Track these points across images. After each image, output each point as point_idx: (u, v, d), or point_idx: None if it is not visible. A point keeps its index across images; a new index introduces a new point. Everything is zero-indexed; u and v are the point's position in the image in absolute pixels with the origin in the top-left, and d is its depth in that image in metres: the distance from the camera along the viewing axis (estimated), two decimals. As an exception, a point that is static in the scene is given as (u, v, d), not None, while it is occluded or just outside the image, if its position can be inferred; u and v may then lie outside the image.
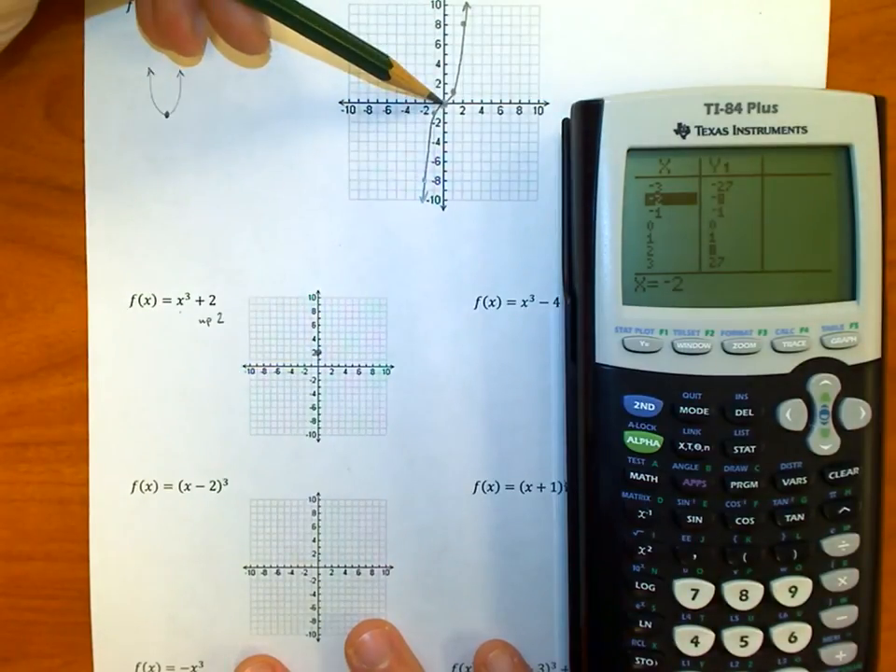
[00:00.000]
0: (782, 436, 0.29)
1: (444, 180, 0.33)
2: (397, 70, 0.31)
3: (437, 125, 0.33)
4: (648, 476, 0.29)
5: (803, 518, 0.29)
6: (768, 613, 0.29)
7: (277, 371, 0.34)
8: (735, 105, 0.29)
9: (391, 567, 0.34)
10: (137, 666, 0.34)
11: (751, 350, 0.29)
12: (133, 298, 0.33)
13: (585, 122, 0.29)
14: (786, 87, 0.32)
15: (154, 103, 0.33)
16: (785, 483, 0.29)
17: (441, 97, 0.33)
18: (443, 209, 0.33)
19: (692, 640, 0.29)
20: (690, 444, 0.29)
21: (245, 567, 0.34)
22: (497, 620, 0.34)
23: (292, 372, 0.34)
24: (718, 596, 0.29)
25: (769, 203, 0.30)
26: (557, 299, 0.33)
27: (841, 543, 0.29)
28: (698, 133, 0.29)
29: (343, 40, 0.30)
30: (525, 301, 0.33)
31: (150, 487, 0.34)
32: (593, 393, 0.30)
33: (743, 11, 0.33)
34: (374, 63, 0.31)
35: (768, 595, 0.29)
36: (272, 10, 0.29)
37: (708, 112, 0.29)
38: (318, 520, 0.34)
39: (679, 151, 0.29)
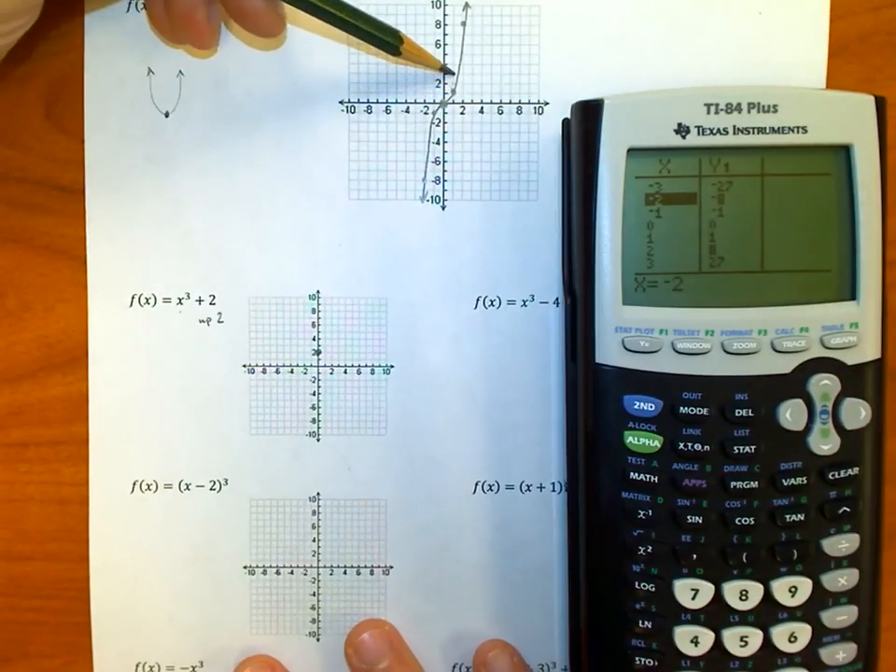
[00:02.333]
0: (782, 436, 0.29)
1: (444, 180, 0.33)
2: (408, 45, 0.31)
3: (437, 125, 0.33)
4: (648, 476, 0.29)
5: (803, 518, 0.29)
6: (768, 613, 0.29)
7: (277, 371, 0.34)
8: (735, 104, 0.29)
9: (391, 567, 0.34)
10: (137, 666, 0.34)
11: (751, 350, 0.29)
12: (133, 298, 0.33)
13: (585, 122, 0.29)
14: (786, 87, 0.32)
15: (154, 103, 0.33)
16: (785, 483, 0.29)
17: (443, 97, 0.33)
18: (443, 209, 0.33)
19: (692, 640, 0.29)
20: (690, 444, 0.29)
21: (244, 567, 0.34)
22: (497, 620, 0.34)
23: (292, 372, 0.34)
24: (718, 596, 0.29)
25: (769, 203, 0.30)
26: (557, 299, 0.33)
27: (841, 543, 0.29)
28: (698, 133, 0.29)
29: (353, 17, 0.30)
30: (525, 301, 0.33)
31: (150, 487, 0.34)
32: (593, 393, 0.30)
33: (743, 11, 0.33)
34: (385, 39, 0.31)
35: (768, 595, 0.29)
36: None
37: (708, 112, 0.29)
38: (318, 520, 0.34)
39: (679, 151, 0.29)
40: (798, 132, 0.29)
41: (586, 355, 0.30)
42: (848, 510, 0.29)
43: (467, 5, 0.33)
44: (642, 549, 0.29)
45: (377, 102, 0.33)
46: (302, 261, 0.33)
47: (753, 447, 0.29)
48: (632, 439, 0.29)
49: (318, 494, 0.34)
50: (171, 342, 0.33)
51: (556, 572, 0.34)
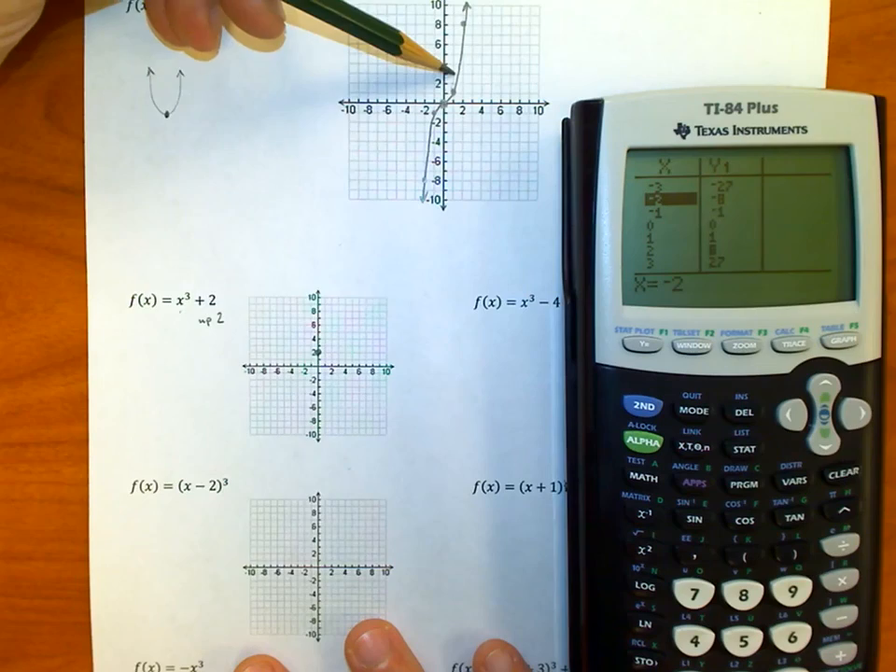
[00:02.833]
0: (782, 436, 0.29)
1: (444, 180, 0.33)
2: (408, 44, 0.31)
3: (437, 125, 0.33)
4: (648, 476, 0.29)
5: (803, 518, 0.29)
6: (768, 613, 0.29)
7: (277, 371, 0.34)
8: (735, 104, 0.29)
9: (391, 567, 0.34)
10: (137, 666, 0.34)
11: (751, 350, 0.29)
12: (133, 298, 0.33)
13: (585, 122, 0.29)
14: (786, 87, 0.32)
15: (154, 103, 0.33)
16: (785, 483, 0.29)
17: (443, 97, 0.33)
18: (443, 209, 0.33)
19: (692, 640, 0.29)
20: (690, 444, 0.29)
21: (244, 567, 0.34)
22: (497, 620, 0.34)
23: (292, 372, 0.34)
24: (718, 596, 0.29)
25: (769, 203, 0.30)
26: (557, 299, 0.33)
27: (841, 543, 0.29)
28: (698, 133, 0.29)
29: (353, 17, 0.30)
30: (525, 301, 0.33)
31: (150, 487, 0.34)
32: (593, 393, 0.30)
33: (742, 11, 0.33)
34: (385, 38, 0.31)
35: (768, 595, 0.29)
36: None
37: (708, 112, 0.29)
38: (318, 520, 0.34)
39: (679, 151, 0.29)
40: (798, 132, 0.29)
41: (586, 355, 0.30)
42: (848, 510, 0.29)
43: (467, 5, 0.33)
44: (642, 549, 0.29)
45: (377, 102, 0.33)
46: (302, 261, 0.33)
47: (753, 447, 0.29)
48: (632, 439, 0.29)
49: (318, 494, 0.34)
50: (171, 342, 0.34)
51: (556, 572, 0.34)
